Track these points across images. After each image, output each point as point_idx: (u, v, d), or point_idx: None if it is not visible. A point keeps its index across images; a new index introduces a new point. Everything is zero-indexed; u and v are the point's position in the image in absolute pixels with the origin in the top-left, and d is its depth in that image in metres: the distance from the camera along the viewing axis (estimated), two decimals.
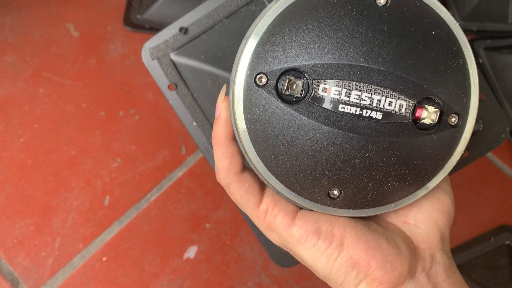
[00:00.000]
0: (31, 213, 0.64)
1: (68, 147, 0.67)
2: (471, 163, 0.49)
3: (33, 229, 0.63)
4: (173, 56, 0.47)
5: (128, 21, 0.75)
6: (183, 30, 0.47)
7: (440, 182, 0.31)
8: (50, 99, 0.70)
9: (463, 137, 0.30)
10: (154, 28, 0.74)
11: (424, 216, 0.33)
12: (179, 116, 0.48)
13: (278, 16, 0.29)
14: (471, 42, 0.74)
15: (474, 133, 0.48)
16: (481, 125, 0.48)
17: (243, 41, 0.30)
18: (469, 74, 0.29)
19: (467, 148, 0.47)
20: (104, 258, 0.63)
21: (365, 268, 0.30)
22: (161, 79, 0.48)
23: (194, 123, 0.48)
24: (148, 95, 0.71)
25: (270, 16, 0.29)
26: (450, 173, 0.32)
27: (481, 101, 0.47)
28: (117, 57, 0.73)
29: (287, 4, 0.29)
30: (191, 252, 0.65)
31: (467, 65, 0.29)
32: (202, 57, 0.48)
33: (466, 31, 0.53)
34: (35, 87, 0.70)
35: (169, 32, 0.47)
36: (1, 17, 0.74)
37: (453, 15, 0.62)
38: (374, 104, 0.28)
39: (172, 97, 0.48)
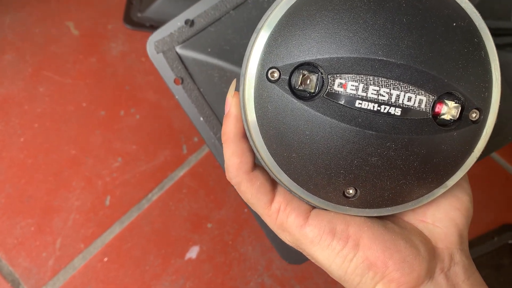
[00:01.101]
0: (31, 213, 0.63)
1: (68, 146, 0.67)
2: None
3: (34, 229, 0.62)
4: (179, 50, 0.47)
5: (129, 19, 0.74)
6: (189, 23, 0.46)
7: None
8: (50, 98, 0.69)
9: (484, 133, 0.29)
10: (155, 26, 0.73)
11: (442, 215, 0.32)
12: (185, 111, 0.47)
13: (291, 7, 0.28)
14: None
15: None
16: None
17: (254, 34, 0.29)
18: (490, 67, 0.28)
19: None
20: (106, 259, 0.63)
21: (382, 269, 0.29)
22: (167, 73, 0.47)
23: (201, 118, 0.47)
24: (149, 94, 0.71)
25: (282, 8, 0.28)
26: None
27: None
28: (117, 55, 0.73)
29: None
30: (193, 253, 0.64)
31: (489, 58, 0.28)
32: (209, 50, 0.47)
33: None
34: (35, 86, 0.69)
35: (175, 24, 0.46)
36: (1, 15, 0.73)
37: None
38: (393, 100, 0.27)
39: (178, 92, 0.47)
